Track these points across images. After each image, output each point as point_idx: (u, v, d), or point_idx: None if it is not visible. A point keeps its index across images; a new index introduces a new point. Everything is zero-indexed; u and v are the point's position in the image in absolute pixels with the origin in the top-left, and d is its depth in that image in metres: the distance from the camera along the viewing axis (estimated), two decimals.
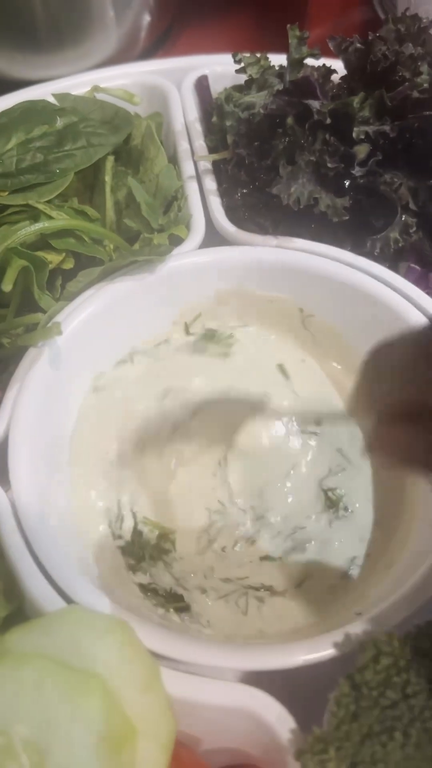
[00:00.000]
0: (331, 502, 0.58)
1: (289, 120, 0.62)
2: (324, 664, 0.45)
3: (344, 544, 0.57)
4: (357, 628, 0.45)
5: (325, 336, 0.66)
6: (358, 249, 0.64)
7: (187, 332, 0.67)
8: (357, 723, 0.38)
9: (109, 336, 0.62)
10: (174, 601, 0.54)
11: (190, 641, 0.46)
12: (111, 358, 0.64)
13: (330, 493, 0.59)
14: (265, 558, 0.56)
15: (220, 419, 0.61)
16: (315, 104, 0.62)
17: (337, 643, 0.44)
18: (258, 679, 0.46)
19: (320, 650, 0.45)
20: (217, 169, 0.70)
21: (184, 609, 0.54)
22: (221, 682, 0.45)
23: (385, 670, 0.39)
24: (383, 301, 0.60)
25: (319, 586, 0.55)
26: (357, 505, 0.58)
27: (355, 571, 0.56)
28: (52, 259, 0.62)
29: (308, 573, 0.56)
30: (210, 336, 0.66)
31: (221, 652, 0.46)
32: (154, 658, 0.45)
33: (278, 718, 0.44)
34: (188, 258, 0.63)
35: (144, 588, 0.55)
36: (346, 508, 0.58)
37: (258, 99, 0.66)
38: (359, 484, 0.59)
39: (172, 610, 0.53)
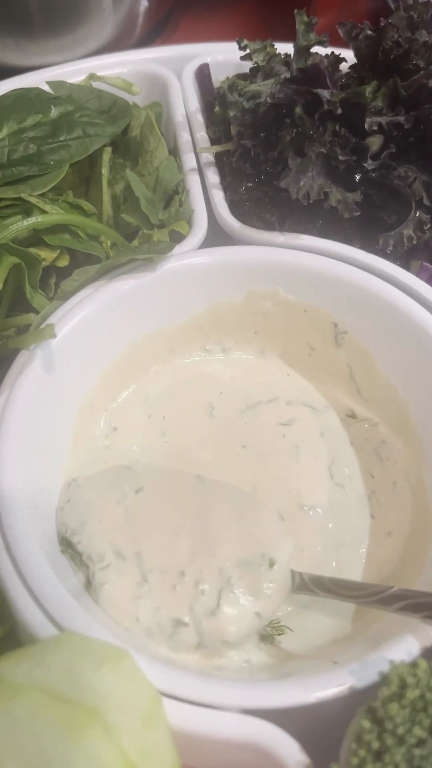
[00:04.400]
0: None
1: (298, 110, 0.59)
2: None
3: None
4: (376, 657, 0.42)
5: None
6: (368, 246, 0.61)
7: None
8: (381, 762, 0.35)
9: (107, 340, 0.59)
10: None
11: (194, 677, 0.43)
12: (107, 361, 0.60)
13: None
14: None
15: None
16: (325, 93, 0.58)
17: (355, 673, 0.41)
18: (267, 711, 0.42)
19: (337, 685, 0.41)
20: (220, 162, 0.66)
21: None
22: (228, 713, 0.41)
23: (410, 704, 0.36)
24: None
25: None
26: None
27: None
28: (46, 256, 0.58)
29: None
30: None
31: (227, 689, 0.42)
32: (155, 689, 0.41)
33: (290, 754, 0.40)
34: (190, 258, 0.59)
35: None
36: None
37: (264, 88, 0.62)
38: None
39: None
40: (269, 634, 0.51)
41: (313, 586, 0.49)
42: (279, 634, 0.51)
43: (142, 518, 0.51)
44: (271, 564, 0.49)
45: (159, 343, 0.63)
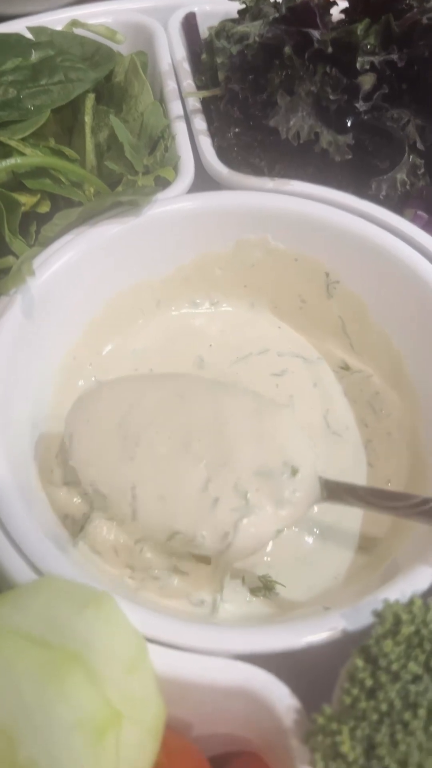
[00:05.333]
0: None
1: (287, 50, 0.57)
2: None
3: None
4: (369, 599, 0.40)
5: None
6: (360, 194, 0.59)
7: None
8: (374, 700, 0.34)
9: (90, 288, 0.57)
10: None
11: (181, 623, 0.41)
12: (91, 311, 0.58)
13: None
14: None
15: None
16: (315, 33, 0.56)
17: (348, 617, 0.39)
18: (256, 656, 0.41)
19: (328, 629, 0.39)
20: (207, 109, 0.64)
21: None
22: (216, 659, 0.40)
23: (405, 640, 0.34)
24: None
25: None
26: None
27: None
28: (26, 200, 0.56)
29: None
30: None
31: (216, 634, 0.41)
32: (140, 633, 0.40)
33: (281, 699, 0.38)
34: (176, 203, 0.57)
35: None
36: None
37: (252, 29, 0.60)
38: None
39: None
40: (261, 587, 0.50)
41: (346, 495, 0.46)
42: (270, 589, 0.50)
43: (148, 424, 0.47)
44: (294, 472, 0.45)
45: (145, 295, 0.61)
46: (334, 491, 0.46)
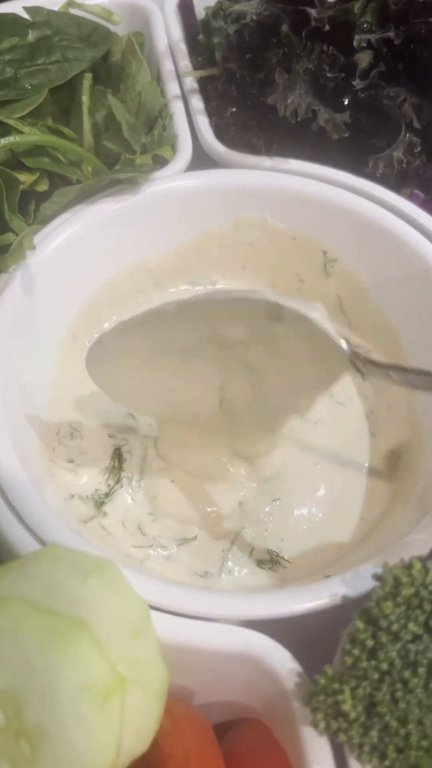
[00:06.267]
0: None
1: (284, 28, 0.57)
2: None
3: None
4: (369, 566, 0.41)
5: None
6: (357, 173, 0.59)
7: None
8: (375, 660, 0.34)
9: (90, 266, 0.57)
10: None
11: (183, 589, 0.42)
12: (90, 290, 0.58)
13: None
14: None
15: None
16: (312, 11, 0.56)
17: (348, 583, 0.40)
18: (258, 621, 0.41)
19: (329, 594, 0.40)
20: (205, 89, 0.64)
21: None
22: (218, 625, 0.40)
23: (405, 601, 0.35)
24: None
25: None
26: None
27: None
28: (25, 179, 0.56)
29: None
30: None
31: (218, 599, 0.41)
32: (143, 600, 0.40)
33: (282, 663, 0.39)
34: (174, 181, 0.58)
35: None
36: None
37: (249, 7, 0.60)
38: None
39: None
40: (268, 560, 0.50)
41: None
42: (276, 563, 0.50)
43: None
44: None
45: (144, 274, 0.61)
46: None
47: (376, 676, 0.34)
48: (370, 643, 0.35)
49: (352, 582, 0.41)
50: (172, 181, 0.57)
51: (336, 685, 0.35)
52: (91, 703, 0.36)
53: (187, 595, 0.41)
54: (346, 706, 0.34)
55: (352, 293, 0.60)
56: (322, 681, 0.35)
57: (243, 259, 0.63)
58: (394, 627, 0.35)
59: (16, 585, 0.39)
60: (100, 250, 0.57)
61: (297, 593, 0.41)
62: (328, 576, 0.44)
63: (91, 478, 0.53)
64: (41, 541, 0.43)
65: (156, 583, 0.41)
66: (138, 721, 0.38)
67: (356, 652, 0.35)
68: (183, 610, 0.40)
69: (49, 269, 0.53)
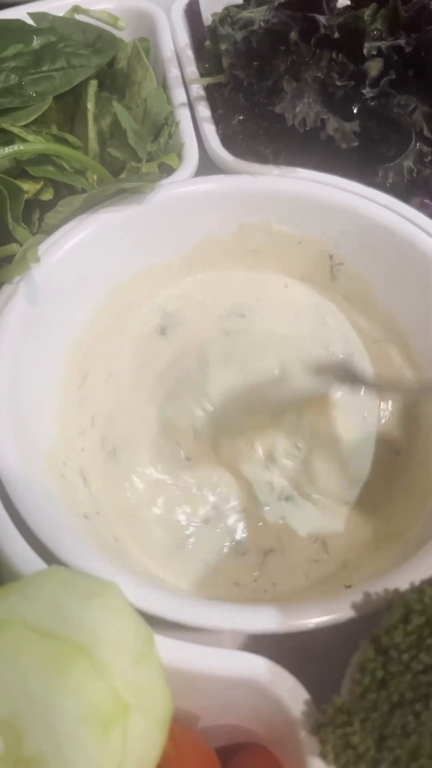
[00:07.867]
0: None
1: (293, 35, 0.56)
2: (341, 627, 0.39)
3: None
4: (379, 586, 0.40)
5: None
6: (366, 182, 0.58)
7: None
8: (385, 691, 0.33)
9: (95, 275, 0.56)
10: None
11: (186, 601, 0.41)
12: (95, 299, 0.57)
13: None
14: None
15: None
16: (321, 18, 0.55)
17: (357, 603, 0.39)
18: (264, 647, 0.40)
19: (337, 611, 0.39)
20: (212, 96, 0.63)
21: None
22: (223, 650, 0.39)
23: (416, 630, 0.34)
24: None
25: None
26: None
27: None
28: (29, 188, 0.55)
29: None
30: None
31: (221, 612, 0.40)
32: (147, 624, 0.39)
33: (289, 690, 0.38)
34: (186, 186, 0.56)
35: None
36: None
37: (257, 15, 0.59)
38: None
39: None
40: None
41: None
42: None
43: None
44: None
45: (149, 282, 0.60)
46: None
47: (386, 707, 0.33)
48: (380, 673, 0.34)
49: (364, 601, 0.40)
50: (176, 188, 0.56)
51: (345, 716, 0.34)
52: (93, 732, 0.35)
53: (187, 607, 0.40)
54: (356, 739, 0.33)
55: (360, 298, 0.59)
56: (331, 711, 0.34)
57: (248, 265, 0.62)
58: (405, 657, 0.34)
59: (17, 607, 0.38)
60: (106, 260, 0.56)
61: (304, 608, 0.40)
62: (349, 586, 0.43)
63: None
64: (47, 558, 0.42)
65: (159, 594, 0.40)
66: (140, 748, 0.37)
67: (366, 682, 0.34)
68: (187, 622, 0.40)
69: (54, 280, 0.52)
